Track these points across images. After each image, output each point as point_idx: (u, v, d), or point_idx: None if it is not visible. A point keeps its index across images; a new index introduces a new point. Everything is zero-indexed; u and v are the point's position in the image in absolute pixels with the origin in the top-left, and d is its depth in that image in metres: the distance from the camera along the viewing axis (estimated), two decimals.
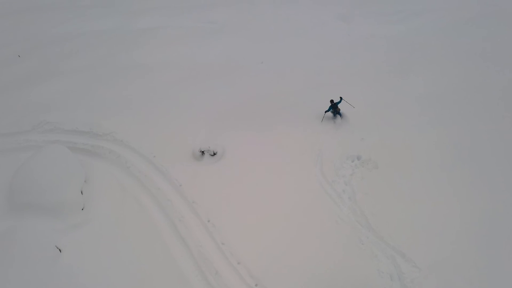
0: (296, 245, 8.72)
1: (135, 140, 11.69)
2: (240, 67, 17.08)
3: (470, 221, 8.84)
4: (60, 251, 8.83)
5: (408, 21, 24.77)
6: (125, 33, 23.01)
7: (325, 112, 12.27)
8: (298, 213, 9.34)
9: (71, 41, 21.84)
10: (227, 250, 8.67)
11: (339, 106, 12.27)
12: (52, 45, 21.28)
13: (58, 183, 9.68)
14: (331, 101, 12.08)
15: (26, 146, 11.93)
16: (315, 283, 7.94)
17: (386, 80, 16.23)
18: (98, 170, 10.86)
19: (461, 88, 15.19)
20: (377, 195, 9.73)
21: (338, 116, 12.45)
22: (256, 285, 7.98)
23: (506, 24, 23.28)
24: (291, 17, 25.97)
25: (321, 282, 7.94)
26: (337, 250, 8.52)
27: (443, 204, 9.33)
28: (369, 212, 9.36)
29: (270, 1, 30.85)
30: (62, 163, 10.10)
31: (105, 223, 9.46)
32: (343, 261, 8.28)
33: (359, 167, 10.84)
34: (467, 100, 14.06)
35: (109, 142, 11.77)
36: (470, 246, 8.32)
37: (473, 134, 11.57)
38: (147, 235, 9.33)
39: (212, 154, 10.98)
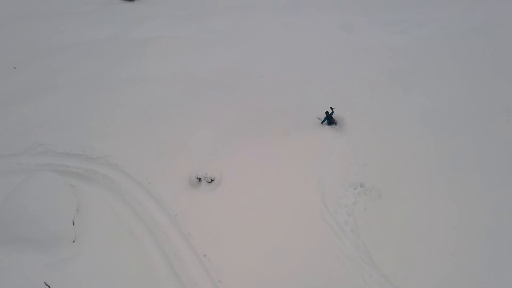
0: (297, 284, 8.30)
1: (130, 165, 11.29)
2: (240, 82, 16.67)
3: (483, 262, 8.39)
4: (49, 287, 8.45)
5: (411, 31, 24.33)
6: (124, 43, 22.63)
7: (322, 122, 13.05)
8: (299, 249, 8.92)
9: (69, 51, 21.47)
10: None
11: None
12: (50, 55, 20.91)
13: (48, 214, 9.27)
14: (326, 112, 12.71)
15: (18, 169, 11.56)
16: None
17: (389, 93, 15.82)
18: (91, 197, 10.43)
19: (465, 103, 14.73)
20: (381, 228, 9.30)
21: (333, 125, 13.12)
22: None
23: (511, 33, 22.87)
24: (293, 26, 25.51)
25: None
26: None
27: (452, 240, 8.89)
28: (372, 247, 8.94)
29: (272, 10, 30.51)
30: (53, 192, 9.70)
31: (97, 256, 9.04)
32: None
33: (362, 195, 10.41)
34: (473, 117, 13.60)
35: (103, 166, 11.37)
36: None
37: (483, 159, 11.11)
38: (141, 269, 8.93)
39: (209, 181, 10.57)
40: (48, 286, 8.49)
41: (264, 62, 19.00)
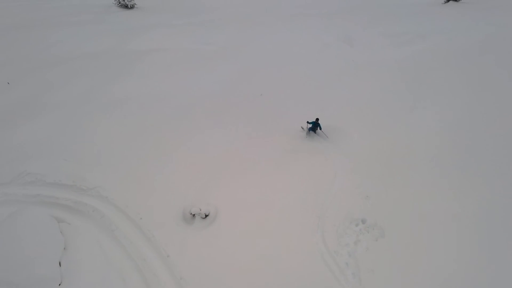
0: None
1: (121, 197, 10.80)
2: (236, 102, 16.20)
3: None
4: None
5: (414, 43, 23.90)
6: (120, 56, 22.20)
7: (308, 122, 13.54)
8: None
9: (64, 65, 21.03)
10: None
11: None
12: (44, 69, 20.46)
13: (33, 256, 8.80)
14: (317, 119, 13.37)
15: (4, 200, 11.05)
16: None
17: (393, 112, 15.40)
18: (80, 233, 9.97)
19: (476, 123, 14.24)
20: (384, 274, 8.78)
21: (315, 132, 13.73)
22: None
23: None
24: (293, 39, 25.11)
25: None
26: None
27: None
28: None
29: (272, 21, 30.08)
30: (39, 231, 9.24)
31: None
32: None
33: (364, 233, 9.90)
34: (484, 143, 13.06)
35: (94, 199, 10.88)
36: None
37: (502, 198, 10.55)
38: None
39: (204, 216, 10.07)
40: None
41: (263, 79, 18.55)
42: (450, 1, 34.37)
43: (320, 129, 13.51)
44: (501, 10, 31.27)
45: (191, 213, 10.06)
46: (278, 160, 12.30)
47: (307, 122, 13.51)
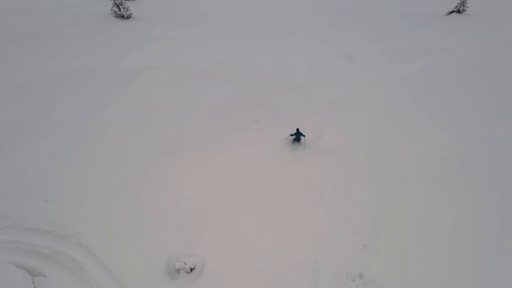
0: None
1: (102, 246, 10.12)
2: (229, 130, 15.49)
3: None
4: None
5: (416, 60, 23.19)
6: (111, 75, 21.49)
7: (291, 135, 14.46)
8: None
9: (53, 85, 20.31)
10: None
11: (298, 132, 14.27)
12: (33, 89, 19.73)
13: None
14: (297, 129, 14.23)
15: None
16: None
17: (393, 141, 14.60)
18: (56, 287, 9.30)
19: (483, 150, 13.55)
20: None
21: (299, 141, 14.60)
22: None
23: None
24: (290, 56, 24.38)
25: None
26: None
27: None
28: None
29: (269, 34, 29.37)
30: None
31: None
32: None
33: None
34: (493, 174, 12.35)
35: (73, 247, 10.19)
36: None
37: None
38: None
39: (189, 271, 9.37)
40: None
41: (258, 102, 17.81)
42: (453, 13, 33.60)
43: (303, 136, 14.35)
44: (505, 22, 30.53)
45: (175, 268, 9.36)
46: (271, 204, 11.57)
47: (290, 134, 14.52)
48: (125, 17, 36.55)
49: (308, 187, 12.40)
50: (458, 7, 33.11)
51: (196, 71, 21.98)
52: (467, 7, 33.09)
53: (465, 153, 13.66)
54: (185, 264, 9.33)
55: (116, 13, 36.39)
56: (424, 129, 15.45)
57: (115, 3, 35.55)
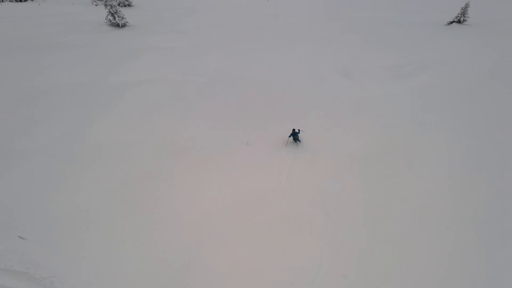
0: None
1: None
2: (218, 155, 14.86)
3: None
4: None
5: (416, 75, 22.65)
6: (102, 90, 20.92)
7: (289, 137, 15.45)
8: None
9: (41, 101, 19.74)
10: None
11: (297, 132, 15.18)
12: (20, 106, 19.12)
13: None
14: (293, 129, 15.15)
15: None
16: None
17: (390, 168, 13.92)
18: None
19: (483, 183, 12.93)
20: None
21: (297, 141, 15.52)
22: None
23: None
24: (287, 70, 23.80)
25: None
26: None
27: None
28: None
29: (266, 46, 28.80)
30: None
31: None
32: None
33: None
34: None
35: None
36: None
37: None
38: None
39: None
40: None
41: (251, 123, 17.17)
42: (454, 23, 32.99)
43: (298, 132, 15.28)
44: (506, 33, 29.93)
45: None
46: (258, 240, 10.94)
47: (289, 136, 15.49)
48: (120, 25, 36.03)
49: (298, 219, 11.75)
50: (458, 17, 32.51)
51: (189, 87, 21.38)
52: (468, 17, 32.48)
53: (464, 182, 13.05)
54: None
55: (111, 21, 35.85)
56: (421, 157, 14.77)
57: (110, 11, 35.02)
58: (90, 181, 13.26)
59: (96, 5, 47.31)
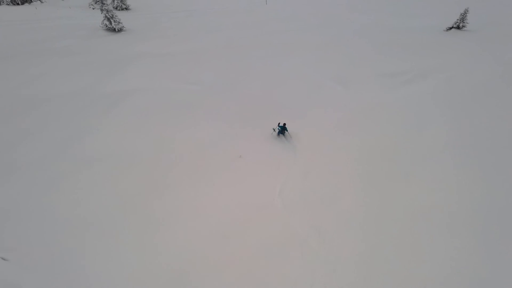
0: None
1: None
2: (213, 167, 14.50)
3: None
4: None
5: (414, 83, 22.24)
6: (94, 100, 20.58)
7: (275, 129, 16.55)
8: None
9: (32, 112, 19.40)
10: None
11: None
12: (11, 118, 18.77)
13: None
14: (281, 123, 16.39)
15: None
16: None
17: (385, 182, 13.49)
18: None
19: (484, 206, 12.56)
20: None
21: (283, 134, 16.59)
22: None
23: None
24: (281, 78, 23.43)
25: None
26: None
27: None
28: None
29: (262, 54, 28.45)
30: None
31: None
32: None
33: None
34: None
35: None
36: None
37: None
38: None
39: None
40: None
41: (246, 134, 16.81)
42: (453, 29, 32.66)
43: (287, 130, 16.32)
44: (506, 39, 29.60)
45: None
46: (246, 266, 10.56)
47: (273, 129, 16.59)
48: (117, 30, 35.71)
49: (290, 239, 11.34)
50: (458, 23, 32.18)
51: (183, 96, 21.02)
52: (467, 23, 32.15)
53: (461, 204, 12.67)
54: None
55: (107, 26, 35.53)
56: (417, 171, 14.35)
57: (106, 16, 34.71)
58: (86, 194, 12.94)
59: (93, 9, 47.01)
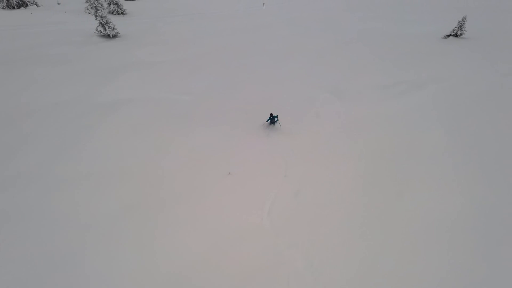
0: None
1: None
2: (200, 184, 14.07)
3: None
4: None
5: (409, 94, 21.89)
6: (84, 111, 20.10)
7: (266, 121, 17.84)
8: None
9: (20, 123, 18.95)
10: None
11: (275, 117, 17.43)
12: (4, 128, 18.41)
13: None
14: (271, 114, 17.54)
15: None
16: None
17: (378, 202, 13.09)
18: None
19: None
20: None
21: (274, 124, 17.87)
22: None
23: None
24: (275, 89, 23.01)
25: None
26: None
27: None
28: None
29: (257, 62, 28.07)
30: None
31: None
32: None
33: None
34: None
35: None
36: None
37: None
38: None
39: None
40: None
41: (236, 149, 16.39)
42: (450, 37, 32.30)
43: (277, 119, 17.61)
44: (503, 48, 29.26)
45: None
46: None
47: (271, 115, 17.48)
48: (111, 36, 35.31)
49: (276, 265, 10.89)
50: (455, 31, 31.82)
51: (175, 107, 20.60)
52: (465, 31, 31.79)
53: (457, 219, 12.26)
54: None
55: (101, 32, 35.14)
56: (412, 188, 13.95)
57: (100, 22, 34.32)
58: (82, 210, 12.55)
59: (89, 13, 46.59)
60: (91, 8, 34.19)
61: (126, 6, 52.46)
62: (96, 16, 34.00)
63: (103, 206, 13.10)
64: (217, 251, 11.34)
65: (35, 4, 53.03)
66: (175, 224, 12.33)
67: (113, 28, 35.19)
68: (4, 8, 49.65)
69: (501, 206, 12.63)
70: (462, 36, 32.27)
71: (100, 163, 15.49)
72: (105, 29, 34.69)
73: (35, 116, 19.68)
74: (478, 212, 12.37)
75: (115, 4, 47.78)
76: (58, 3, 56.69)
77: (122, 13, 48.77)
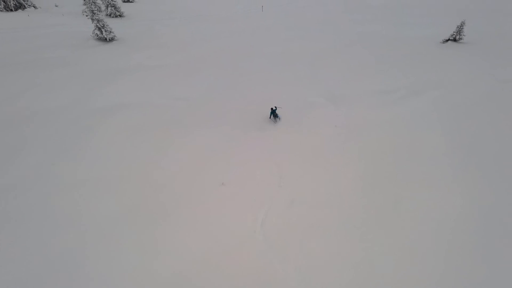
0: None
1: None
2: (193, 194, 13.85)
3: None
4: None
5: (407, 101, 21.69)
6: (79, 117, 19.86)
7: (270, 117, 18.78)
8: None
9: (20, 126, 18.86)
10: None
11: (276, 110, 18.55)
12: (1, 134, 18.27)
13: None
14: (271, 108, 18.56)
15: None
16: None
17: (374, 212, 12.83)
18: None
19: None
20: None
21: (276, 118, 18.89)
22: None
23: None
24: (272, 94, 22.79)
25: None
26: None
27: None
28: None
29: (255, 67, 27.85)
30: None
31: None
32: None
33: None
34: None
35: None
36: None
37: None
38: None
39: None
40: None
41: (231, 159, 16.15)
42: (449, 41, 32.08)
43: (276, 109, 18.45)
44: (502, 53, 29.04)
45: None
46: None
47: (271, 109, 18.58)
48: (108, 39, 35.11)
49: (268, 281, 10.66)
50: (454, 36, 31.59)
51: (170, 113, 20.40)
52: (464, 35, 31.57)
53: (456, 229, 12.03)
54: None
55: (98, 35, 34.93)
56: (408, 197, 13.71)
57: (97, 26, 34.12)
58: (82, 211, 12.37)
59: (86, 16, 46.37)
60: (88, 11, 34.00)
61: (124, 8, 52.32)
62: (92, 19, 33.80)
63: (103, 207, 13.11)
64: (217, 251, 11.21)
65: (33, 6, 52.85)
66: (175, 224, 12.25)
67: (110, 32, 34.99)
68: (1, 11, 49.48)
69: (501, 207, 12.64)
70: (461, 41, 32.04)
71: (100, 165, 15.58)
72: (101, 33, 34.50)
73: (34, 119, 19.76)
74: (478, 213, 12.38)
75: (113, 6, 47.60)
76: (56, 5, 56.53)
77: (120, 16, 48.59)
